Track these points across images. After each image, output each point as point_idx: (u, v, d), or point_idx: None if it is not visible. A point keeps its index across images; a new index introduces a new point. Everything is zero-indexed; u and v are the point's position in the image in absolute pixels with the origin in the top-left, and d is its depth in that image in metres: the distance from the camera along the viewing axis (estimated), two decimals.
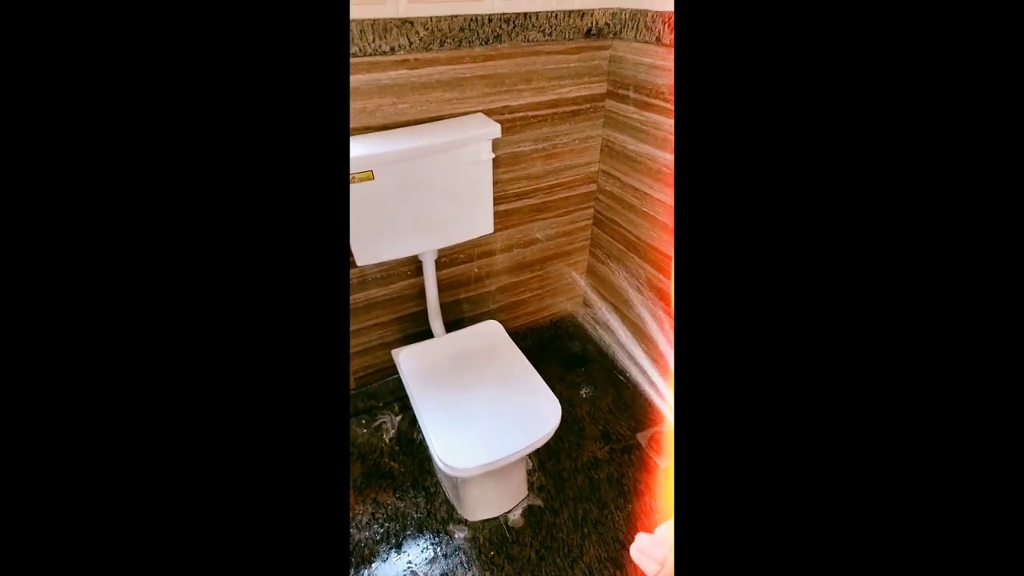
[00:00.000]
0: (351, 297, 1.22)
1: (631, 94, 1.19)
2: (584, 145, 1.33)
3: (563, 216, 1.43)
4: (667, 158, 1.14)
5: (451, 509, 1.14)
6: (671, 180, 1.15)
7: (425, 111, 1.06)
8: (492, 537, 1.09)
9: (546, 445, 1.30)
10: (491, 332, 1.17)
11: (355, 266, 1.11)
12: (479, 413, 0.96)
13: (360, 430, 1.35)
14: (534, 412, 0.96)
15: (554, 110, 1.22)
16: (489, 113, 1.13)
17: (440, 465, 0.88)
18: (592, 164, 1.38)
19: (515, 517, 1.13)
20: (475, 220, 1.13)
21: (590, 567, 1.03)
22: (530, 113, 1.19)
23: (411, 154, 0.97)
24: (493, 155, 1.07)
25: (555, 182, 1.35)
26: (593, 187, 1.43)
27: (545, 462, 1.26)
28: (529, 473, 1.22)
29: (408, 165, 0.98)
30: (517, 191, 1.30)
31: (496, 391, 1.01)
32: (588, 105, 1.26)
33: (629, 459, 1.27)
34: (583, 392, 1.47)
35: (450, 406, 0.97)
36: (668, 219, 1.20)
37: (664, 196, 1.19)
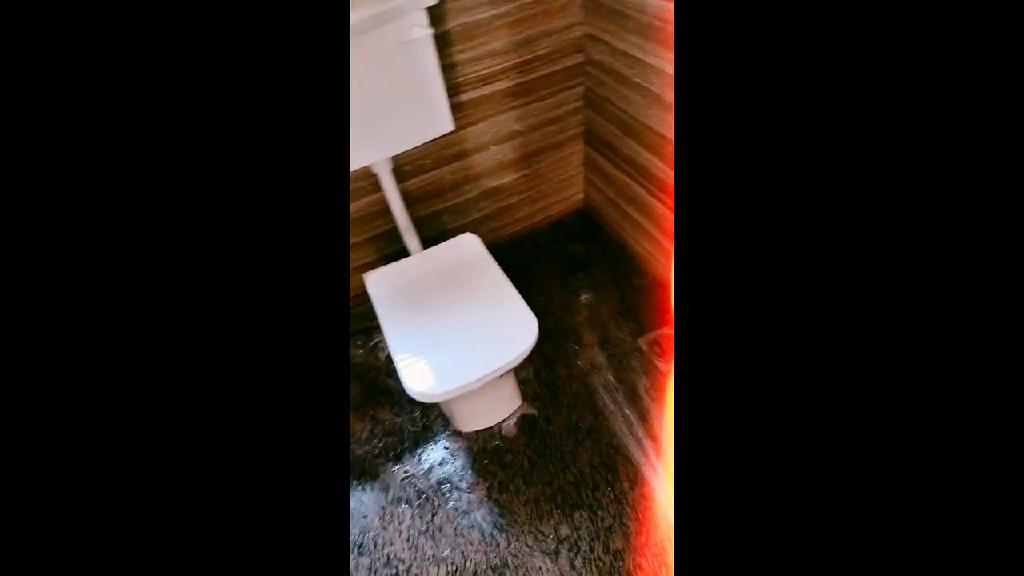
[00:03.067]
0: None
1: None
2: (562, 2, 1.06)
3: (546, 100, 1.21)
4: (660, 6, 0.88)
5: (446, 421, 1.17)
6: (666, 39, 0.90)
7: None
8: (486, 446, 1.11)
9: (541, 353, 1.27)
10: (467, 245, 1.07)
11: None
12: (450, 336, 0.91)
13: (356, 350, 1.36)
14: (508, 330, 0.90)
15: None
16: None
17: (409, 393, 0.85)
18: (575, 27, 1.12)
19: (508, 426, 1.14)
20: (428, 117, 0.97)
21: (581, 471, 1.05)
22: None
23: None
24: (435, 30, 0.86)
25: (529, 56, 1.11)
26: (580, 58, 1.18)
27: (540, 371, 1.23)
28: (524, 383, 1.21)
29: None
30: (481, 74, 1.09)
31: (469, 310, 0.94)
32: None
33: (628, 364, 1.22)
34: (583, 297, 1.38)
35: (420, 330, 0.92)
36: (663, 91, 0.97)
37: (657, 60, 0.95)
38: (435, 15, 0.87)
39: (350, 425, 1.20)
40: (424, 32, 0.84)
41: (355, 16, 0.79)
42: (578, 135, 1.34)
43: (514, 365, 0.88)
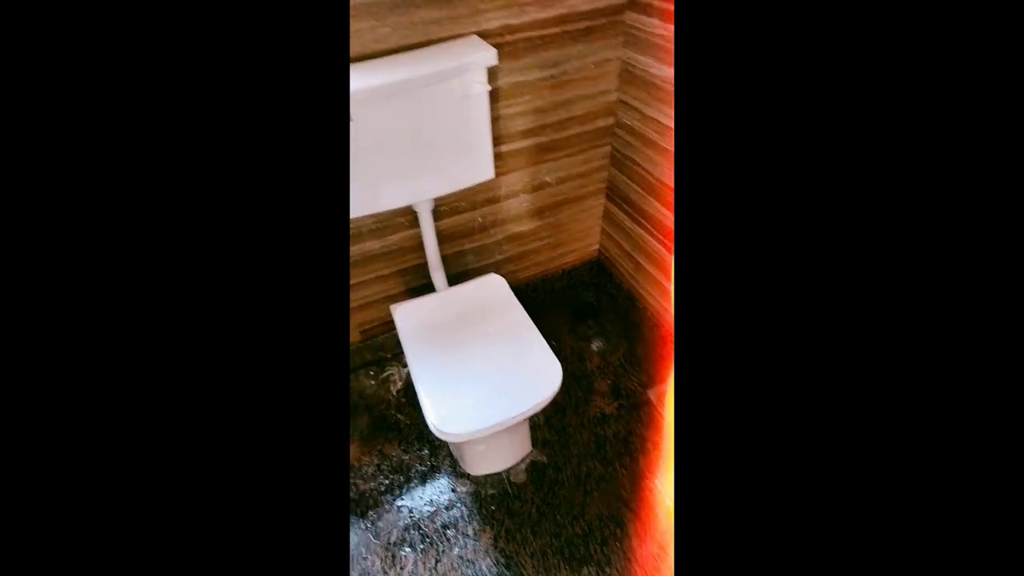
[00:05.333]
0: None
1: (655, 2, 0.99)
2: (600, 71, 1.15)
3: (576, 156, 1.29)
4: None
5: (455, 462, 1.15)
6: None
7: (408, 36, 0.91)
8: (494, 492, 1.09)
9: (552, 400, 1.28)
10: (493, 286, 1.10)
11: None
12: (475, 375, 0.91)
13: (368, 381, 1.35)
14: (533, 375, 0.91)
15: (563, 28, 1.04)
16: (486, 35, 0.97)
17: (434, 431, 0.85)
18: (609, 93, 1.20)
19: (518, 472, 1.12)
20: (473, 165, 1.02)
21: (590, 524, 1.03)
22: (535, 33, 1.02)
23: (392, 89, 0.84)
24: (490, 87, 0.92)
25: (566, 116, 1.19)
26: (611, 120, 1.26)
27: (551, 417, 1.23)
28: (534, 428, 1.20)
29: (390, 103, 0.86)
30: (522, 128, 1.15)
31: (495, 351, 0.95)
32: (604, 20, 1.07)
33: (638, 415, 1.23)
34: (594, 345, 1.40)
35: (445, 367, 0.93)
36: None
37: None
38: (492, 73, 0.94)
39: (358, 457, 1.17)
40: (483, 88, 0.90)
41: (428, 69, 0.85)
42: (600, 190, 1.41)
43: (538, 410, 0.89)
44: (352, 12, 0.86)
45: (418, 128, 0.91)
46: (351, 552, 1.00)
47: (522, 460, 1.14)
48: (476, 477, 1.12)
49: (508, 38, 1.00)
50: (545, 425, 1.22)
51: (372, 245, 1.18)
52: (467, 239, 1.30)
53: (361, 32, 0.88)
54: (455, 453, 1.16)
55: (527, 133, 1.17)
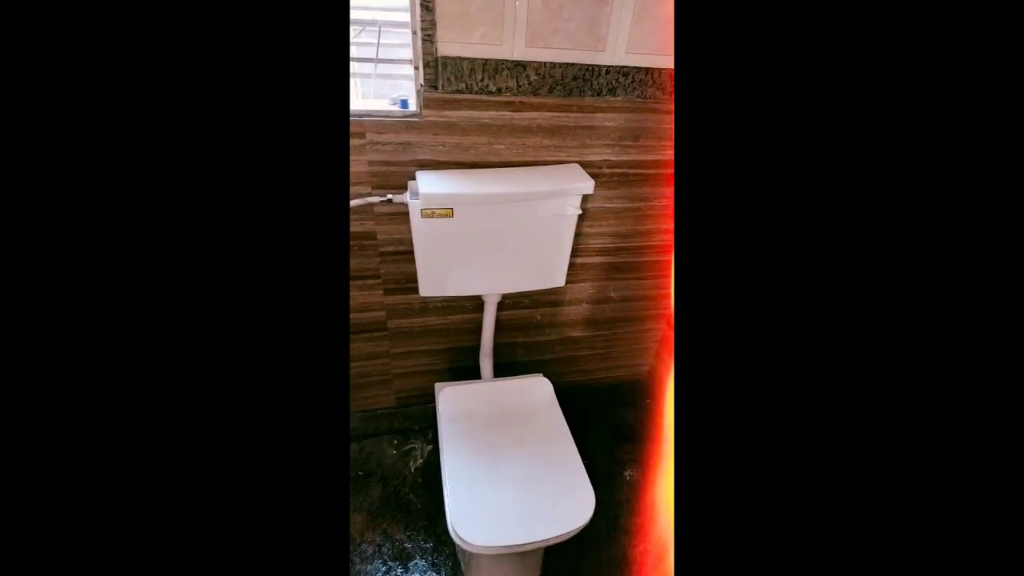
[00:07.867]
0: (410, 320, 1.21)
1: None
2: None
3: (645, 280, 1.32)
4: None
5: (457, 569, 1.07)
6: None
7: (520, 155, 1.02)
8: None
9: None
10: (539, 388, 1.09)
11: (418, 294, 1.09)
12: (505, 483, 0.88)
13: (389, 450, 1.33)
14: (564, 501, 0.86)
15: (659, 171, 1.13)
16: (587, 165, 1.06)
17: (452, 534, 0.81)
18: None
19: None
20: (547, 271, 1.07)
21: None
22: (631, 171, 1.11)
23: (495, 199, 0.93)
24: (581, 210, 1.00)
25: (643, 244, 1.24)
26: None
27: (567, 546, 1.14)
28: (546, 557, 1.11)
29: (490, 208, 0.95)
30: (598, 246, 1.22)
31: (529, 461, 0.92)
32: None
33: (663, 570, 1.11)
34: (627, 473, 1.32)
35: (477, 466, 0.91)
36: None
37: None
38: (585, 197, 1.02)
39: (361, 532, 1.12)
40: (575, 211, 0.98)
41: (531, 188, 0.94)
42: (662, 315, 1.41)
43: (563, 540, 0.83)
44: (474, 128, 0.98)
45: (507, 233, 0.98)
46: None
47: None
48: None
49: (606, 171, 1.09)
50: (559, 554, 1.13)
51: (434, 320, 1.23)
52: (522, 333, 1.32)
53: (478, 145, 1.00)
54: (460, 558, 1.08)
55: (602, 251, 1.23)
